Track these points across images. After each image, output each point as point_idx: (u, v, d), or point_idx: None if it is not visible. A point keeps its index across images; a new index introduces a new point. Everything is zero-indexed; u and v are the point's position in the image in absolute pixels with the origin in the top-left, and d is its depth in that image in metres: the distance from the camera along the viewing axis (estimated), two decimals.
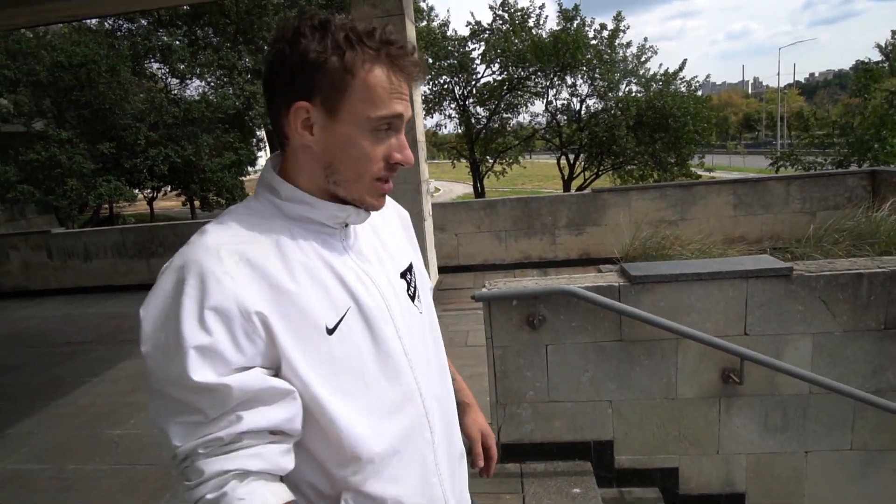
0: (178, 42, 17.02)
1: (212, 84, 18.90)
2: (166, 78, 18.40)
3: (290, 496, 0.82)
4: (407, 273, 1.02)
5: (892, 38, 28.97)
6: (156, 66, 17.99)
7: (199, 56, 17.77)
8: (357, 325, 0.88)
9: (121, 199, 14.11)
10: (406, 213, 1.17)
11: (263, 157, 28.53)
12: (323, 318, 0.84)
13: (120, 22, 17.42)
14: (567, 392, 2.82)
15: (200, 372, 0.75)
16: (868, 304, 2.62)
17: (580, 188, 15.18)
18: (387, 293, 0.94)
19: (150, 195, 18.70)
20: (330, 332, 0.85)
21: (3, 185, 12.32)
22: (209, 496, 0.77)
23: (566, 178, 16.66)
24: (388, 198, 0.99)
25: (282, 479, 0.84)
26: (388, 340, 0.91)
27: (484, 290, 2.76)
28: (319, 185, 0.89)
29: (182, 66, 17.36)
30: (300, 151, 0.88)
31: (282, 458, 0.82)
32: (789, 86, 64.82)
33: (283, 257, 0.84)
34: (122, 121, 13.99)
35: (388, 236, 1.04)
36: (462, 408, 1.21)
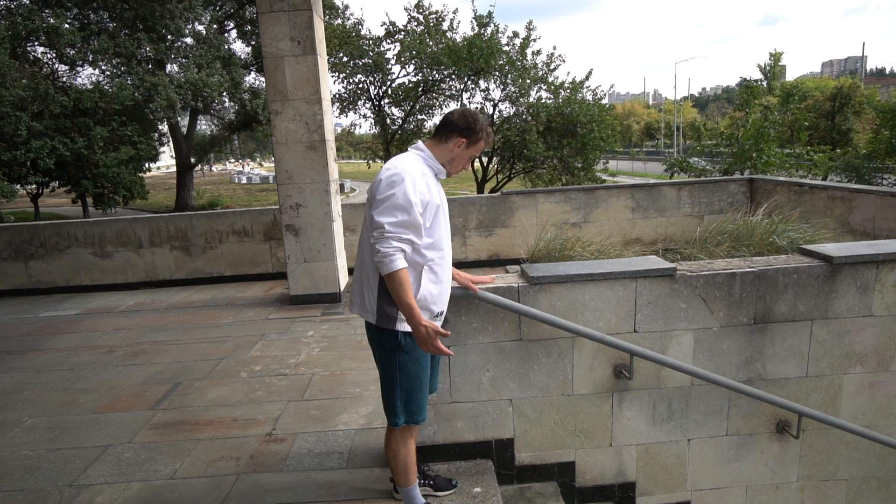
0: (67, 25, 15.59)
1: (107, 73, 17.54)
2: (53, 63, 16.84)
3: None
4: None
5: (769, 59, 32.14)
6: (40, 50, 16.40)
7: (92, 42, 16.40)
8: (442, 208, 2.23)
9: None
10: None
11: (167, 152, 26.83)
12: (438, 202, 2.19)
13: None
14: (468, 392, 2.86)
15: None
16: (741, 301, 2.85)
17: (493, 190, 15.51)
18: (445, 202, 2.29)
19: (35, 191, 17.07)
20: (438, 206, 2.19)
21: None
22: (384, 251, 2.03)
23: (480, 180, 16.97)
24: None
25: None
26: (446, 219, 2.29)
27: None
28: (442, 160, 2.25)
29: (72, 52, 15.94)
30: (446, 150, 2.24)
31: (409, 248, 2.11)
32: (685, 98, 69.83)
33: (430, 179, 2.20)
34: None
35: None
36: (455, 274, 2.57)
